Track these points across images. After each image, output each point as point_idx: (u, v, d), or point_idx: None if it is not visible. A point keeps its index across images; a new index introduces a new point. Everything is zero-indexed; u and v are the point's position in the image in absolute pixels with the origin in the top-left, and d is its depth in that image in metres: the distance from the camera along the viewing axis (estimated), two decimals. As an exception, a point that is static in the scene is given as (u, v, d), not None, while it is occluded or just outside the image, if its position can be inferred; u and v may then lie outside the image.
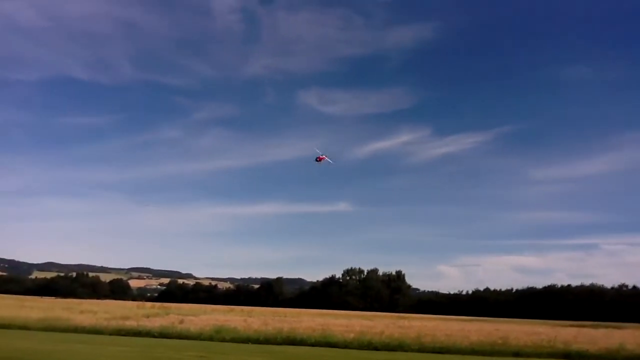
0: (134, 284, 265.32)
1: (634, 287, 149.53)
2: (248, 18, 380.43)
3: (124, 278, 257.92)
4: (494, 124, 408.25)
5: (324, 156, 46.71)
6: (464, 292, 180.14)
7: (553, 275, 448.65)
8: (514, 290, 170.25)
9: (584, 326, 70.50)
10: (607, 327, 69.11)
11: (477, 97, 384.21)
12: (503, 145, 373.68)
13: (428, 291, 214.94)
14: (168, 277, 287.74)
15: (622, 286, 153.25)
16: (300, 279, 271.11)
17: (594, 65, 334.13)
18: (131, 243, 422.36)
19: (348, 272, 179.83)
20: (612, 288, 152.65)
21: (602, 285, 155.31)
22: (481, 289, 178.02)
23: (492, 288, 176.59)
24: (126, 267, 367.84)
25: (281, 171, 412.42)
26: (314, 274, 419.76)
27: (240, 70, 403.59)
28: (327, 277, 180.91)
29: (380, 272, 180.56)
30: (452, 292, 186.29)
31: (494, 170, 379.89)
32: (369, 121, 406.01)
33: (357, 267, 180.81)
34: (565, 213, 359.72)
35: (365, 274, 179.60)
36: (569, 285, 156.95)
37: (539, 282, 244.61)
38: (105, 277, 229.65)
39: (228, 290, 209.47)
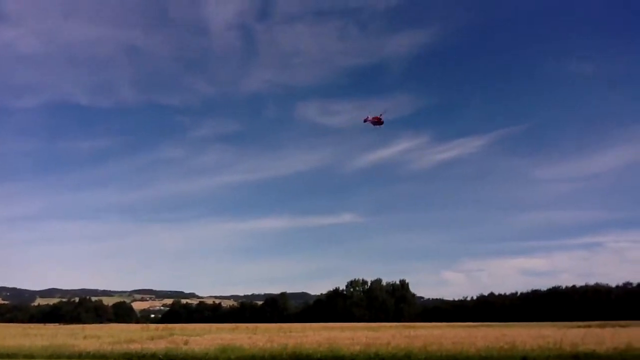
0: (138, 306, 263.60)
1: (639, 284, 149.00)
2: (245, 34, 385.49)
3: (127, 301, 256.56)
4: (496, 126, 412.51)
5: (379, 116, 43.36)
6: (469, 298, 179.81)
7: (558, 276, 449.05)
8: (518, 294, 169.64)
9: (590, 326, 70.17)
10: (614, 326, 68.78)
11: (477, 100, 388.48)
12: (505, 147, 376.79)
13: (433, 299, 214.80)
14: (171, 298, 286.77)
15: (627, 284, 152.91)
16: (304, 293, 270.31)
17: (594, 61, 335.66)
18: (133, 265, 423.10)
19: (352, 284, 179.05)
20: (617, 286, 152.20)
21: (607, 284, 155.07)
22: (486, 293, 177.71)
23: (496, 292, 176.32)
24: (129, 290, 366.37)
25: (284, 185, 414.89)
26: (318, 287, 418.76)
27: (240, 85, 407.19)
28: (331, 289, 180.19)
29: (384, 282, 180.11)
30: (457, 299, 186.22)
31: (496, 172, 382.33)
32: (370, 131, 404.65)
33: (361, 278, 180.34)
34: (568, 212, 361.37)
35: (369, 284, 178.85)
36: (573, 286, 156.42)
37: (544, 284, 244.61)
38: (109, 301, 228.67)
39: (232, 307, 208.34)
